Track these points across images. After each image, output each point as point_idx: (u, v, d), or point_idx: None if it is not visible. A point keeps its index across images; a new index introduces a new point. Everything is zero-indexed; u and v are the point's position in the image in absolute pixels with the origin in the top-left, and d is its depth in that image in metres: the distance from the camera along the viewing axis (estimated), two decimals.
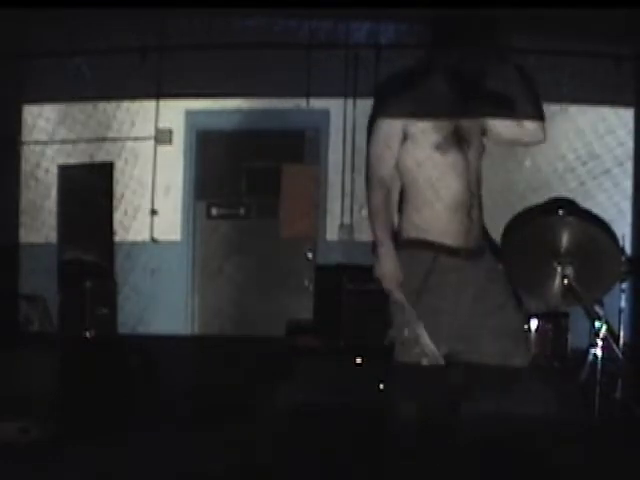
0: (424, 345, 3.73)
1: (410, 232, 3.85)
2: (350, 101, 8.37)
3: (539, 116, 3.90)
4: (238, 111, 8.62)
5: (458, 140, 3.81)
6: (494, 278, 3.91)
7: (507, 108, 3.84)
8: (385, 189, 3.85)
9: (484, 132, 3.96)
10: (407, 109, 3.77)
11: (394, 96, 3.83)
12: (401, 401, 3.87)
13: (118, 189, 8.68)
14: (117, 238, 8.63)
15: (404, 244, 3.86)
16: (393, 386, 4.06)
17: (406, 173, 3.85)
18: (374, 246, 3.86)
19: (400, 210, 3.94)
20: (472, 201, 3.86)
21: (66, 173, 8.72)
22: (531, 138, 3.98)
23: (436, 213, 3.81)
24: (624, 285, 5.74)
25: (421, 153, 3.79)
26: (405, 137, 3.79)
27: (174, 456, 4.82)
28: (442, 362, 3.73)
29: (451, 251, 3.80)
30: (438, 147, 3.77)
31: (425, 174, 3.79)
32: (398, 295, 3.79)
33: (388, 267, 3.79)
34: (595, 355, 5.36)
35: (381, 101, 3.88)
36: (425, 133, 3.78)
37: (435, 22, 3.98)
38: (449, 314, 3.77)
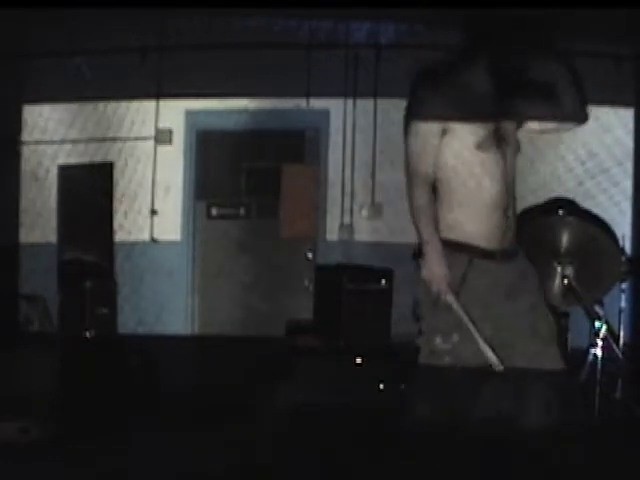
0: (482, 350, 3.58)
1: (444, 232, 3.71)
2: (350, 101, 8.37)
3: (584, 113, 3.80)
4: (238, 111, 8.62)
5: (498, 139, 3.70)
6: (527, 279, 3.80)
7: (550, 106, 3.71)
8: (429, 186, 3.70)
9: (519, 127, 3.85)
10: (447, 105, 3.64)
11: (433, 91, 3.67)
12: (422, 405, 3.76)
13: (118, 189, 8.68)
14: (117, 238, 8.63)
15: None
16: (414, 388, 3.94)
17: (444, 171, 3.71)
18: (419, 247, 3.71)
19: None
20: (509, 201, 3.75)
21: (66, 173, 8.72)
22: (570, 127, 3.92)
23: (473, 214, 3.70)
24: (624, 285, 5.74)
25: (461, 151, 3.67)
26: (445, 132, 3.66)
27: (174, 456, 4.82)
28: (502, 368, 3.59)
29: (487, 254, 3.69)
30: (479, 146, 3.65)
31: (464, 173, 3.68)
32: (449, 297, 3.62)
33: (437, 267, 3.64)
34: (595, 355, 5.37)
35: (419, 96, 3.72)
36: (466, 130, 3.66)
37: (476, 18, 3.85)
38: (484, 319, 3.65)
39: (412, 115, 3.71)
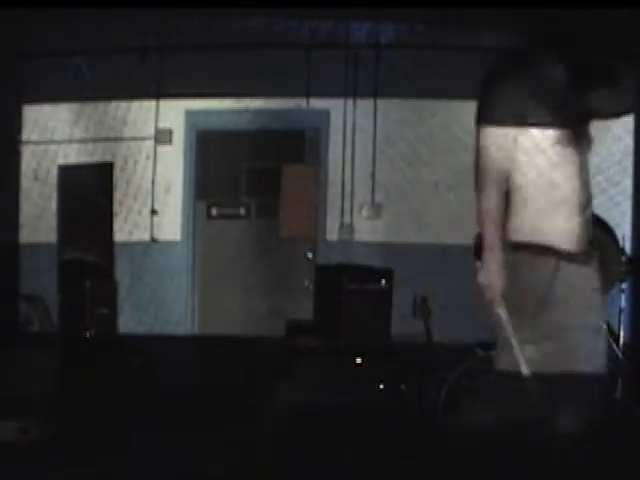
0: (517, 358, 3.46)
1: (523, 235, 3.55)
2: (350, 101, 8.37)
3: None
4: (238, 111, 8.62)
5: (574, 135, 3.56)
6: (600, 291, 3.66)
7: (617, 99, 3.63)
8: (500, 188, 3.53)
9: (591, 122, 3.71)
10: (523, 101, 3.50)
11: (508, 86, 3.54)
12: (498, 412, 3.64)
13: (118, 189, 8.68)
14: (117, 238, 8.63)
15: (516, 248, 3.55)
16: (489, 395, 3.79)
17: (520, 169, 3.54)
18: (478, 251, 3.59)
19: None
20: (588, 199, 3.62)
21: (66, 173, 8.72)
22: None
23: (555, 214, 3.53)
24: (624, 285, 5.74)
25: (538, 147, 3.52)
26: (521, 129, 3.52)
27: (174, 456, 4.82)
28: (529, 375, 3.47)
29: (571, 257, 3.53)
30: (558, 142, 3.52)
31: (542, 170, 3.53)
32: (500, 308, 3.49)
33: (494, 276, 3.49)
34: None
35: (492, 88, 3.57)
36: (543, 126, 3.52)
37: (549, 19, 3.74)
38: (574, 331, 3.51)
39: (488, 104, 3.57)
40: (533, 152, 3.55)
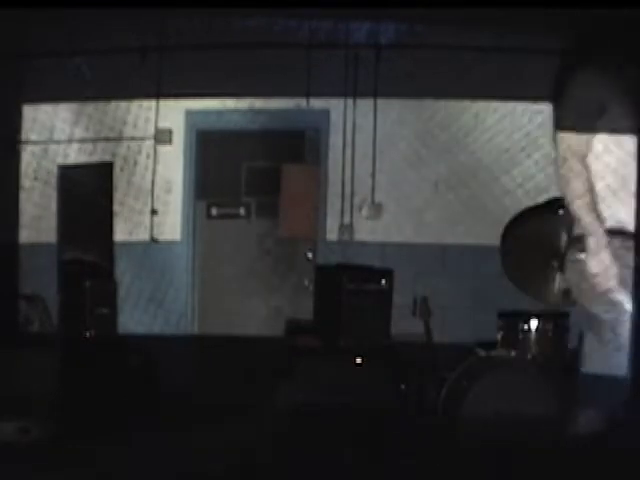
0: None
1: (612, 221, 3.54)
2: (350, 101, 8.37)
3: None
4: (238, 111, 8.62)
5: None
6: None
7: None
8: (587, 171, 3.49)
9: None
10: (600, 96, 3.48)
11: (587, 84, 3.52)
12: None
13: (118, 189, 8.68)
14: (117, 238, 8.63)
15: (610, 233, 3.53)
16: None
17: (601, 157, 3.55)
18: (572, 240, 3.53)
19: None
20: None
21: (66, 173, 8.72)
22: None
23: (633, 202, 3.49)
24: None
25: (619, 133, 3.51)
26: (602, 112, 3.48)
27: (174, 456, 4.82)
28: None
29: None
30: (633, 130, 3.48)
31: (623, 157, 3.52)
32: (619, 295, 3.40)
33: (606, 261, 3.42)
34: None
35: (570, 89, 3.56)
36: (624, 114, 3.50)
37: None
38: None
39: (563, 107, 3.57)
40: (610, 145, 3.55)
